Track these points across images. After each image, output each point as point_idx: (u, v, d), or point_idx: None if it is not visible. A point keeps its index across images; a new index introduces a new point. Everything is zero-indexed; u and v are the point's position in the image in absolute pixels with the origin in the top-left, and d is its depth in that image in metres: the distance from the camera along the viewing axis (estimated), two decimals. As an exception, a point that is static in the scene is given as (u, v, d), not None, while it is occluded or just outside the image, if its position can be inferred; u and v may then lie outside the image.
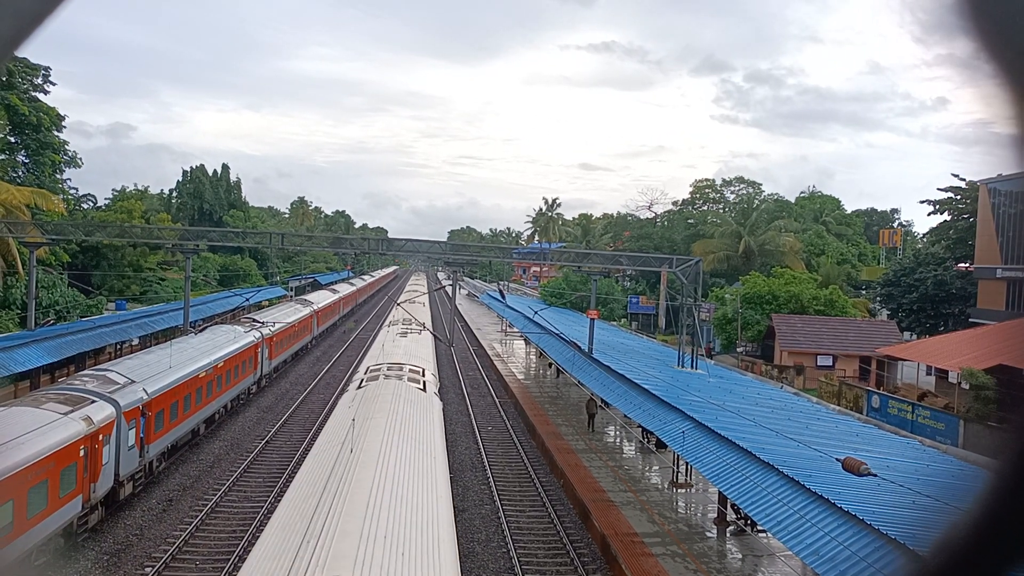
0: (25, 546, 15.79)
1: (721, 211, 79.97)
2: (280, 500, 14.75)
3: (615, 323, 63.26)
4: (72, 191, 65.83)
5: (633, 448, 30.00)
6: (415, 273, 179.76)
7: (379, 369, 24.04)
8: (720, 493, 18.76)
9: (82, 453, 18.16)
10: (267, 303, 63.46)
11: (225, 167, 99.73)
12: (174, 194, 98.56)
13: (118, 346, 41.30)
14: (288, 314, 48.01)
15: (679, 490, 24.23)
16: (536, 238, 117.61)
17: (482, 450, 28.87)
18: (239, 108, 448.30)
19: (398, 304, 47.87)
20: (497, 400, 39.16)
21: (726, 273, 68.35)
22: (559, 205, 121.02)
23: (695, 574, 17.63)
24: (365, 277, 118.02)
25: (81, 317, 46.34)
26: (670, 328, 55.57)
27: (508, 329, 65.64)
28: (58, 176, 58.21)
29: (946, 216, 56.39)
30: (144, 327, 42.37)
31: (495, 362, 50.92)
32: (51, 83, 54.94)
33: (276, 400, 37.43)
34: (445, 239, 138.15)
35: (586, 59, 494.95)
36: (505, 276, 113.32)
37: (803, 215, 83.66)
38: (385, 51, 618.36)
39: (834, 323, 47.76)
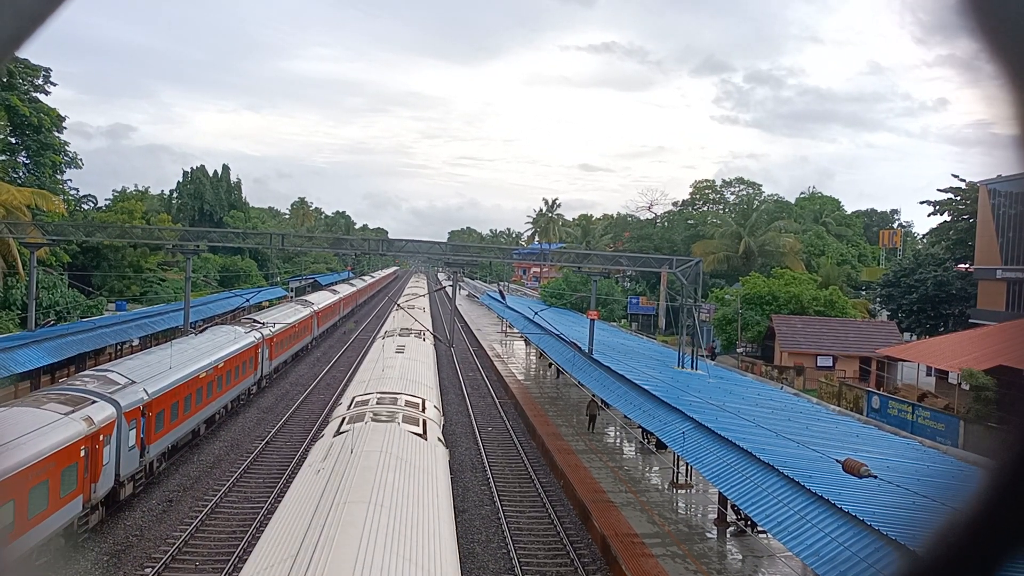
0: (26, 546, 15.81)
1: (721, 212, 79.90)
2: (280, 500, 14.57)
3: (615, 324, 63.25)
4: (72, 192, 65.88)
5: (633, 449, 30.00)
6: (415, 274, 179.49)
7: (367, 403, 19.64)
8: (720, 494, 18.77)
9: (83, 453, 18.18)
10: (267, 304, 63.52)
11: (225, 168, 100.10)
12: (174, 195, 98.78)
13: (118, 347, 41.30)
14: (288, 315, 48.02)
15: (679, 491, 24.24)
16: (536, 239, 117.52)
17: (482, 451, 28.88)
18: (239, 108, 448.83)
19: (398, 306, 47.60)
20: (497, 400, 39.14)
21: (726, 274, 68.30)
22: (559, 206, 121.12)
23: (695, 575, 17.63)
24: (365, 278, 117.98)
25: (81, 318, 46.38)
26: (670, 329, 55.59)
27: (508, 330, 65.60)
28: (58, 177, 58.29)
29: (946, 217, 56.36)
30: (144, 328, 42.40)
31: (495, 363, 50.92)
32: (52, 84, 55.12)
33: (276, 401, 37.43)
34: (445, 240, 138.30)
35: (586, 59, 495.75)
36: (505, 277, 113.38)
37: (803, 216, 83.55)
38: (385, 51, 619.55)
39: (834, 324, 47.76)
